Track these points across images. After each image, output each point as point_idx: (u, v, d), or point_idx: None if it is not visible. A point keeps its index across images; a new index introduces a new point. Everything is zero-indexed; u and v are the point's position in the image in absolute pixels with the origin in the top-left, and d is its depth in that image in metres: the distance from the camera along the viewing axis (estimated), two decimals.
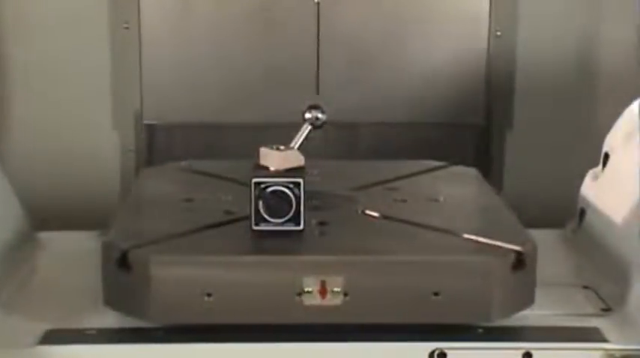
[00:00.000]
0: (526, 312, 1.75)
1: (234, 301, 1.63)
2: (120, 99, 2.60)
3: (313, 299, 1.62)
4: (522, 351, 1.66)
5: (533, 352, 1.66)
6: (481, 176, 2.18)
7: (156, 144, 2.65)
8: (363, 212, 1.89)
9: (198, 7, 2.59)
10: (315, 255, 1.67)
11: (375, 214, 1.87)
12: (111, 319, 1.71)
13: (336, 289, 1.62)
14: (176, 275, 1.64)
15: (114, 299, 1.70)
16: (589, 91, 2.64)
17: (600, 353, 1.67)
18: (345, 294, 1.62)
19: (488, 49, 2.61)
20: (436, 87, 2.62)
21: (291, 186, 1.70)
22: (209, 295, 1.63)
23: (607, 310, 1.82)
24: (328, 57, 2.60)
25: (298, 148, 1.80)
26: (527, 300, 1.74)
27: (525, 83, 2.62)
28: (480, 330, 1.69)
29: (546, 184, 2.61)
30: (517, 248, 1.71)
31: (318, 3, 2.57)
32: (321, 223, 1.80)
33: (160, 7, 2.59)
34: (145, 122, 2.61)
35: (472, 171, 2.20)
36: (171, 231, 1.76)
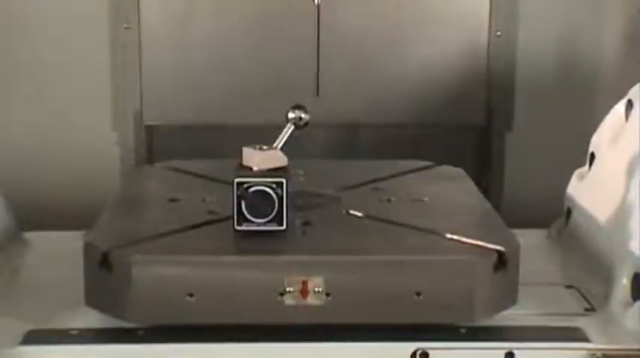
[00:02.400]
0: (509, 312, 1.75)
1: (216, 301, 1.63)
2: (120, 100, 2.60)
3: (295, 299, 1.62)
4: (505, 351, 1.66)
5: (516, 352, 1.66)
6: (467, 176, 2.18)
7: (156, 145, 2.66)
8: (347, 212, 1.89)
9: (199, 9, 2.59)
10: (296, 255, 1.67)
11: (359, 214, 1.87)
12: (93, 319, 1.71)
13: (317, 289, 1.62)
14: (157, 276, 1.64)
15: (96, 299, 1.70)
16: (589, 91, 2.64)
17: (583, 352, 1.67)
18: (327, 294, 1.63)
19: (489, 49, 2.62)
20: (436, 88, 2.63)
21: (273, 186, 1.70)
22: (191, 295, 1.63)
23: (590, 310, 1.82)
24: (328, 58, 2.61)
25: (281, 148, 1.79)
26: (510, 300, 1.74)
27: (525, 83, 2.62)
28: (463, 330, 1.70)
29: (546, 184, 2.60)
30: (499, 248, 1.71)
31: (318, 5, 2.57)
32: (305, 223, 1.81)
33: (160, 9, 2.59)
34: (146, 123, 2.61)
35: (459, 171, 2.20)
36: (153, 231, 1.76)
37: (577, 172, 2.18)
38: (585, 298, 1.87)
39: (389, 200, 1.98)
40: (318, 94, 2.60)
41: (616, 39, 2.63)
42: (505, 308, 1.73)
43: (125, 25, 2.57)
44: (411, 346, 1.65)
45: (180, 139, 2.67)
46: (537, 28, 2.62)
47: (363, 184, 2.08)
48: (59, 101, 2.61)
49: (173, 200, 1.96)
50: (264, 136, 2.50)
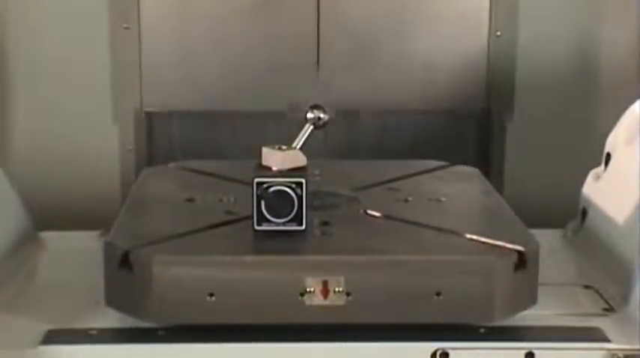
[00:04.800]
0: (528, 312, 1.74)
1: (236, 301, 1.63)
2: (119, 88, 2.60)
3: (315, 300, 1.62)
4: (525, 351, 1.66)
5: (536, 352, 1.66)
6: (483, 176, 2.18)
7: (155, 132, 2.65)
8: (365, 212, 1.88)
9: None
10: (316, 255, 1.67)
11: (377, 214, 1.87)
12: (112, 319, 1.71)
13: (338, 289, 1.62)
14: (178, 276, 1.63)
15: (116, 299, 1.70)
16: (589, 91, 2.64)
17: (603, 353, 1.67)
18: (348, 294, 1.62)
19: (489, 48, 2.61)
20: (438, 75, 2.62)
21: (293, 186, 1.69)
22: (211, 295, 1.62)
23: (609, 310, 1.82)
24: (329, 44, 2.59)
25: (300, 148, 1.79)
26: (530, 300, 1.74)
27: (525, 83, 2.61)
28: (483, 330, 1.69)
29: (546, 183, 2.61)
30: (519, 248, 1.71)
31: None
32: (324, 223, 1.80)
33: None
34: (145, 110, 2.61)
35: (474, 171, 2.20)
36: (172, 231, 1.75)
37: (593, 172, 2.18)
38: (604, 298, 1.87)
39: (406, 200, 1.98)
40: (318, 78, 2.59)
41: (616, 38, 2.62)
42: (525, 308, 1.72)
43: (124, 25, 2.57)
44: (432, 346, 1.65)
45: (180, 125, 2.66)
46: (537, 28, 2.61)
47: (379, 184, 2.07)
48: (59, 101, 2.60)
49: (190, 200, 1.96)
50: (264, 123, 2.54)
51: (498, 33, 2.61)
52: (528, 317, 1.74)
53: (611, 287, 1.88)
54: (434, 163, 2.23)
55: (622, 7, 2.60)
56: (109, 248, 1.70)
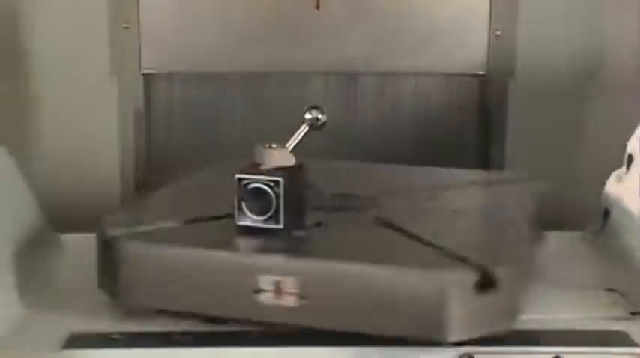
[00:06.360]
0: (553, 316, 1.73)
1: (193, 291, 1.65)
2: (119, 45, 2.58)
3: (269, 299, 1.61)
4: (552, 355, 1.64)
5: (563, 356, 1.64)
6: (535, 191, 2.06)
7: (154, 94, 2.64)
8: (374, 217, 1.83)
9: None
10: (270, 255, 1.64)
11: (383, 221, 1.81)
12: (135, 323, 1.70)
13: (291, 290, 1.60)
14: (141, 261, 1.68)
15: (102, 282, 1.75)
16: (589, 91, 2.63)
17: (630, 357, 1.65)
18: (302, 297, 1.60)
19: (489, 48, 2.60)
20: (438, 37, 2.60)
21: (271, 184, 1.69)
22: (172, 282, 1.65)
23: (636, 313, 1.80)
24: (329, 5, 2.57)
25: (294, 148, 1.77)
26: (500, 321, 1.62)
27: (525, 83, 2.61)
28: (510, 334, 1.66)
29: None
30: (487, 267, 1.58)
31: None
32: (317, 224, 1.78)
33: None
34: (144, 72, 2.59)
35: (523, 184, 2.09)
36: (161, 223, 1.78)
37: (615, 174, 2.16)
38: (628, 301, 1.85)
39: (427, 210, 1.91)
40: (317, 40, 2.58)
41: (617, 38, 2.61)
42: (496, 329, 1.61)
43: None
44: (457, 350, 1.63)
45: (179, 87, 2.65)
46: (537, 28, 2.60)
47: (420, 191, 2.02)
48: (59, 99, 2.60)
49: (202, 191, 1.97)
50: (263, 84, 2.49)
51: (498, 33, 2.60)
52: (554, 321, 1.72)
53: (635, 290, 1.86)
54: (494, 174, 2.18)
55: (622, 7, 2.59)
56: (98, 232, 1.76)
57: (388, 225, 1.79)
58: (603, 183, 2.17)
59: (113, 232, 1.75)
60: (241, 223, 1.70)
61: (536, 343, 1.66)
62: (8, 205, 1.88)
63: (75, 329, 1.68)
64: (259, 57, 2.59)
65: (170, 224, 1.79)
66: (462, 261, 1.60)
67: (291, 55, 2.58)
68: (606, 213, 2.11)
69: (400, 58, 2.60)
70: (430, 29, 2.59)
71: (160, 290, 1.67)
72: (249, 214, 1.70)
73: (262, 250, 1.68)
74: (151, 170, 2.64)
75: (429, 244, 1.68)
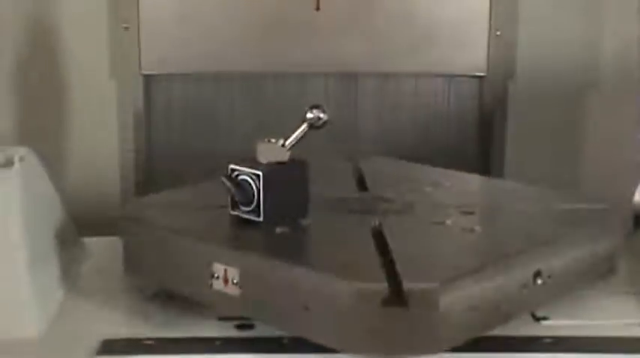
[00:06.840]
0: (584, 322, 1.70)
1: (161, 268, 1.75)
2: (119, 46, 2.58)
3: (219, 285, 1.66)
4: None
5: None
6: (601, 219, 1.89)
7: (154, 94, 2.64)
8: (377, 221, 1.76)
9: None
10: (225, 244, 1.69)
11: (379, 230, 1.73)
12: (168, 329, 1.69)
13: (233, 280, 1.64)
14: (135, 240, 1.79)
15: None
16: (588, 91, 2.61)
17: None
18: (241, 287, 1.63)
19: (489, 49, 2.59)
20: (439, 38, 2.60)
21: (252, 176, 1.72)
22: (154, 260, 1.75)
23: None
24: (329, 6, 2.57)
25: (294, 146, 1.76)
26: (425, 343, 1.51)
27: (525, 83, 2.59)
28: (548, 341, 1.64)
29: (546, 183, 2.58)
30: (405, 284, 1.49)
31: None
32: (308, 223, 1.77)
33: None
34: (144, 72, 2.60)
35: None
36: (170, 208, 1.85)
37: None
38: None
39: (443, 223, 1.79)
40: (317, 39, 2.59)
41: (617, 38, 2.59)
42: (420, 352, 1.51)
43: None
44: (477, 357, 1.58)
45: (179, 88, 2.65)
46: (538, 29, 2.60)
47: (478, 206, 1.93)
48: (59, 98, 2.61)
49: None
50: (263, 84, 2.48)
51: (498, 33, 2.59)
52: (585, 327, 1.69)
53: None
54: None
55: (622, 7, 2.58)
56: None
57: (377, 235, 1.72)
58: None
59: (122, 212, 1.85)
60: (233, 213, 1.75)
61: (569, 350, 1.62)
62: (38, 208, 1.85)
63: (107, 335, 1.66)
64: (259, 57, 2.60)
65: (180, 210, 1.85)
66: (391, 276, 1.53)
67: (291, 56, 2.58)
68: (637, 219, 2.07)
69: (400, 59, 2.61)
70: (430, 30, 2.59)
71: (145, 266, 1.78)
72: (239, 205, 1.74)
73: (224, 240, 1.72)
74: (151, 170, 2.65)
75: (388, 259, 1.59)
